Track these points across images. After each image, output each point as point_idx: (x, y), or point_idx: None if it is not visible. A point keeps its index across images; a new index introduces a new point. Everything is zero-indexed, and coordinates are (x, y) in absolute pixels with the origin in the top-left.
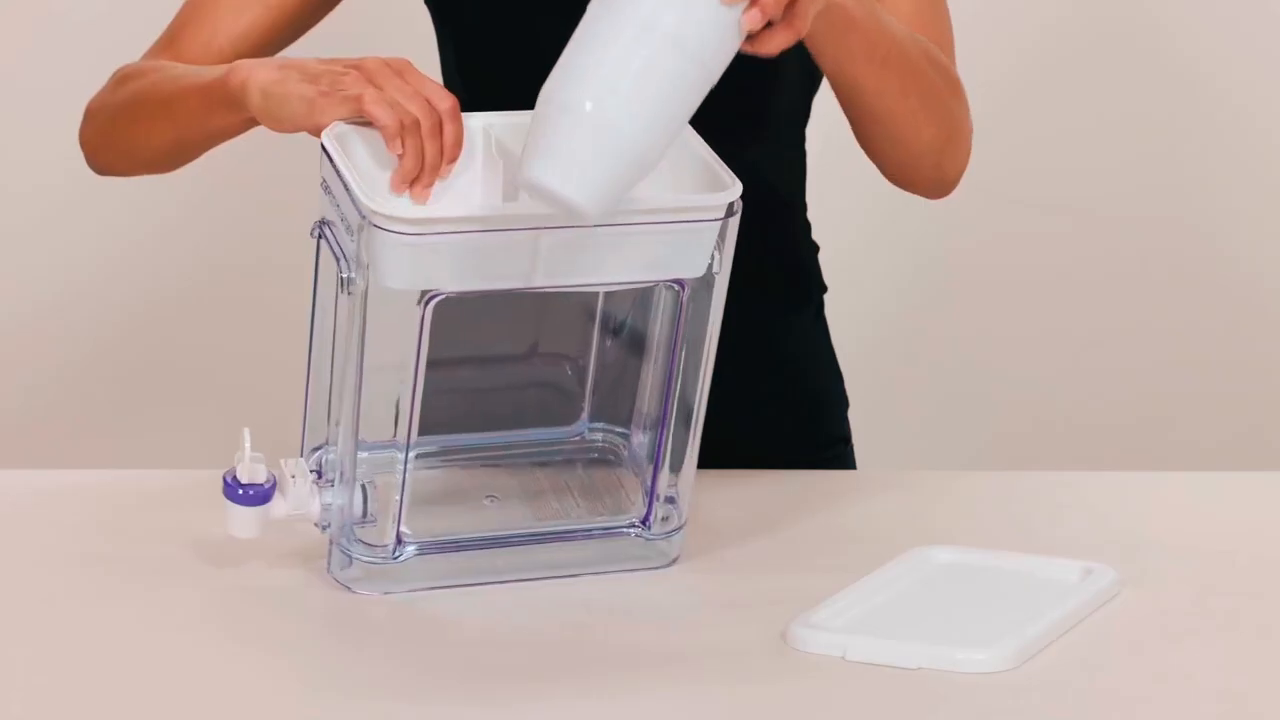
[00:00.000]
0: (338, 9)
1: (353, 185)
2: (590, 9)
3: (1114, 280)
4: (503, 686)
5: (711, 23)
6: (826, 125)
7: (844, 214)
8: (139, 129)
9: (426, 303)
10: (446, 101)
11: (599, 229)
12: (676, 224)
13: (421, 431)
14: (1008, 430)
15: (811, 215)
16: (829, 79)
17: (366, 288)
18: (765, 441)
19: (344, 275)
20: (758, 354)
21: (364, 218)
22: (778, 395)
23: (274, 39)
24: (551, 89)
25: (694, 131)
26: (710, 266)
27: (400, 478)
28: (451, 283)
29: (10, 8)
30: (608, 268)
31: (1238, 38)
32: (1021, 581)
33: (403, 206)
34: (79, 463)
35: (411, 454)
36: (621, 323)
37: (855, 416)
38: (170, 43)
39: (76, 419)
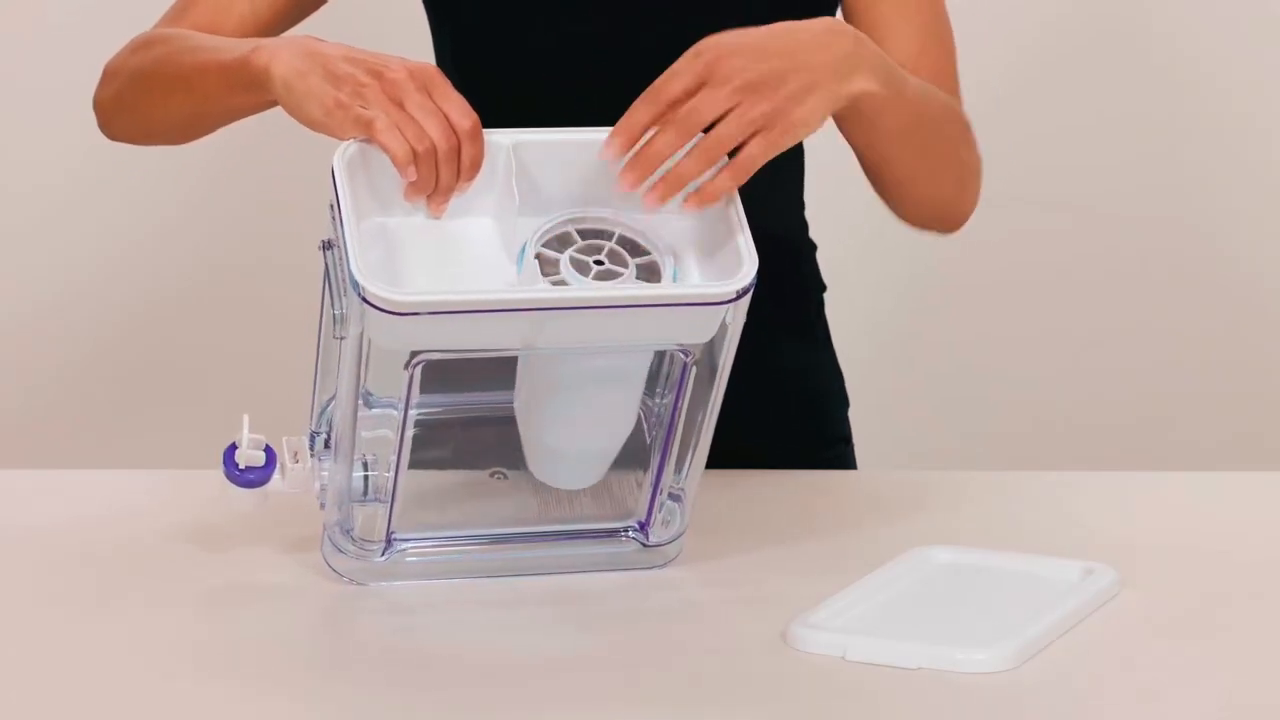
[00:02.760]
0: (337, 8)
1: (350, 250)
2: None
3: (1114, 280)
4: (498, 685)
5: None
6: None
7: (842, 213)
8: (156, 99)
9: (415, 365)
10: (467, 121)
11: (600, 310)
12: (679, 306)
13: (434, 390)
14: (1008, 430)
15: (809, 214)
16: (853, 149)
17: (359, 335)
18: (765, 441)
19: (336, 312)
20: (757, 353)
21: (356, 288)
22: (777, 394)
23: (289, 11)
24: (520, 418)
25: (738, 200)
26: (718, 334)
27: (391, 490)
28: (442, 349)
29: (10, 8)
30: (601, 339)
31: (1238, 37)
32: (1021, 581)
33: (393, 290)
34: (79, 463)
35: (401, 476)
36: None
37: (855, 416)
38: (187, 7)
39: (76, 419)
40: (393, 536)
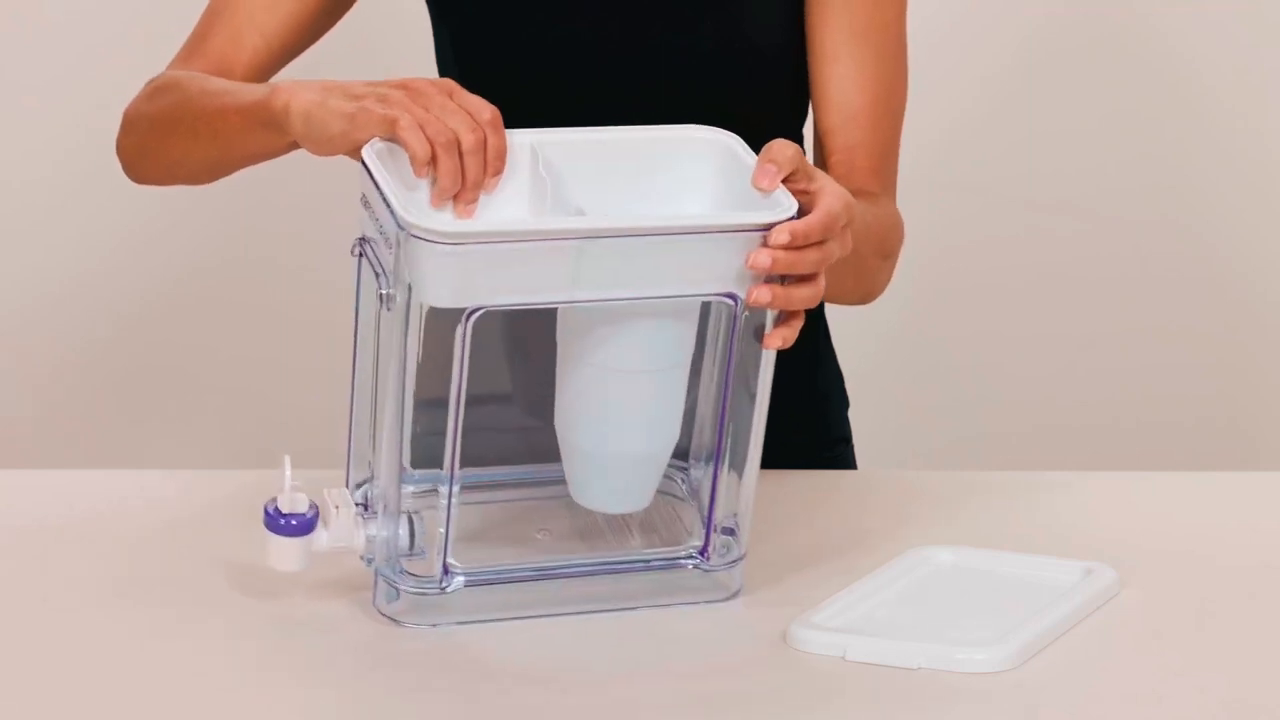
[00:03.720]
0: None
1: (392, 199)
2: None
3: (1114, 280)
4: (494, 680)
5: (651, 339)
6: None
7: None
8: (178, 144)
9: (467, 319)
10: (487, 112)
11: (643, 241)
12: (720, 234)
13: (469, 463)
14: (1008, 430)
15: None
16: None
17: (408, 303)
18: (766, 441)
19: (383, 291)
20: None
21: (402, 229)
22: (778, 393)
23: (305, 34)
24: (561, 429)
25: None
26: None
27: (446, 503)
28: (491, 296)
29: (9, 7)
30: (649, 280)
31: (1240, 40)
32: (1021, 581)
33: (443, 220)
34: (79, 463)
35: (457, 485)
36: None
37: (855, 416)
38: (200, 43)
39: (82, 420)
40: (449, 567)
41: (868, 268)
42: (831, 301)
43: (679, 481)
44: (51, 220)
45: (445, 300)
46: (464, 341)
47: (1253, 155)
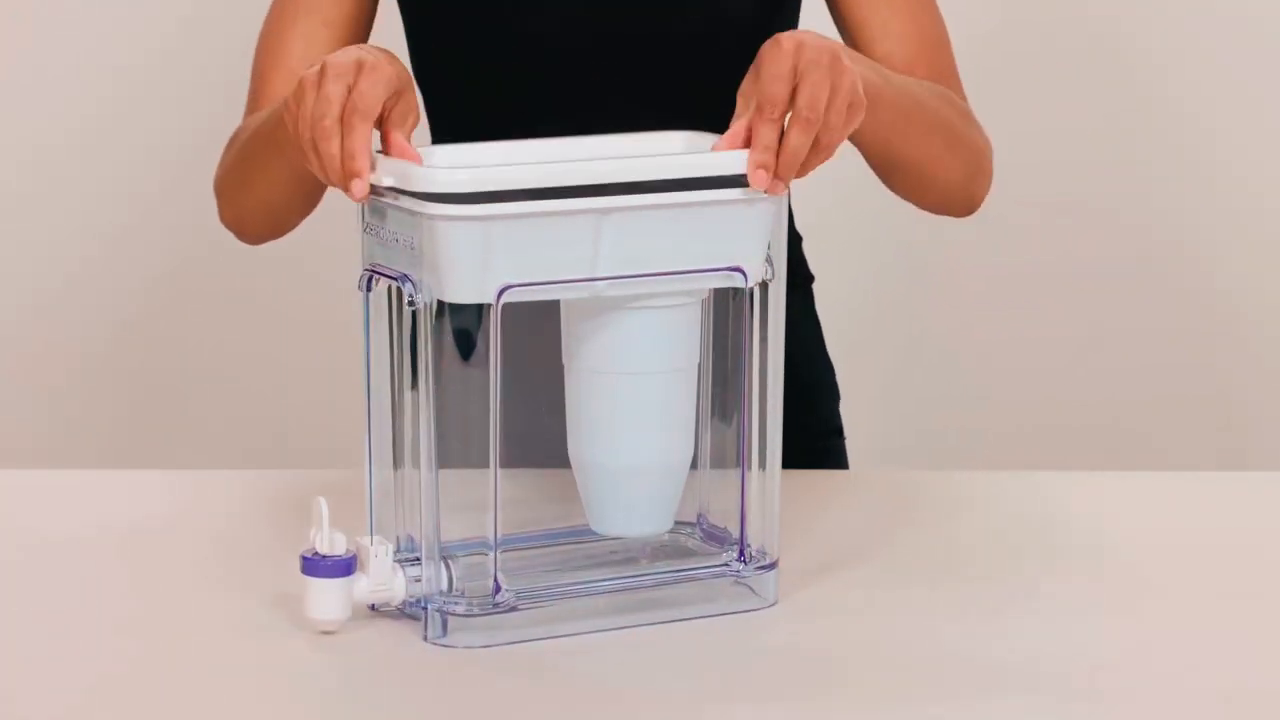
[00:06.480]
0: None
1: (404, 201)
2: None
3: (1115, 279)
4: (483, 669)
5: (655, 339)
6: None
7: (828, 210)
8: (256, 182)
9: (496, 300)
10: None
11: (660, 212)
12: (729, 204)
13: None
14: (1008, 430)
15: (795, 206)
16: (858, 144)
17: (431, 301)
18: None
19: (408, 296)
20: None
21: (423, 196)
22: None
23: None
24: (574, 450)
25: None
26: (767, 261)
27: (493, 514)
28: (515, 271)
29: (8, 8)
30: (669, 253)
31: (1241, 41)
32: None
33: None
34: (84, 464)
35: (500, 492)
36: None
37: (846, 411)
38: (257, 95)
39: (81, 421)
40: (500, 583)
41: (947, 124)
42: (934, 184)
43: (694, 534)
44: (49, 221)
45: (470, 287)
46: (495, 323)
47: (1252, 155)
